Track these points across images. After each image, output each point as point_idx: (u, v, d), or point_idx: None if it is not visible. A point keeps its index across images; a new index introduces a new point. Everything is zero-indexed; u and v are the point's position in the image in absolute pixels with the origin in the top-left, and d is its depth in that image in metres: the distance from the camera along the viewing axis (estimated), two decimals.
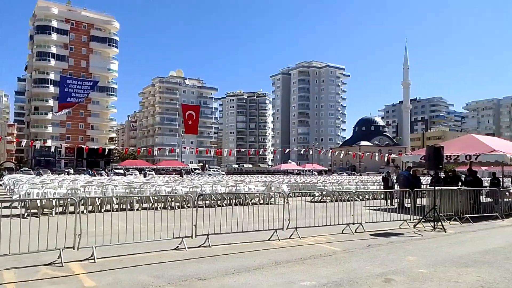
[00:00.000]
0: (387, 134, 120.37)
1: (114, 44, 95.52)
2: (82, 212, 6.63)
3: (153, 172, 60.63)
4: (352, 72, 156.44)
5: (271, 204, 14.96)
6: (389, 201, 15.84)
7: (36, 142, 50.67)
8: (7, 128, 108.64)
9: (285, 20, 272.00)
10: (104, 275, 5.44)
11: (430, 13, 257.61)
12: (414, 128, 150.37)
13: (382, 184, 19.72)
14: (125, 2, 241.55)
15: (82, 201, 7.55)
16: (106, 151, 65.43)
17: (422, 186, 15.66)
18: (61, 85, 33.53)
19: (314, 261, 6.41)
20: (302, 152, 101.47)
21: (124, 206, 11.67)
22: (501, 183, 16.14)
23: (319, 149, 74.30)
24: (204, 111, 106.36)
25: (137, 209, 9.57)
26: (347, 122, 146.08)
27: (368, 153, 59.53)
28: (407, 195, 12.36)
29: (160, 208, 13.11)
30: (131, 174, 51.02)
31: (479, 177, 15.06)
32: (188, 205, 11.09)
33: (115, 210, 11.88)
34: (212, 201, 14.10)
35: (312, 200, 16.21)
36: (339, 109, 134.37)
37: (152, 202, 13.55)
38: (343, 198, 11.80)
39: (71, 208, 7.93)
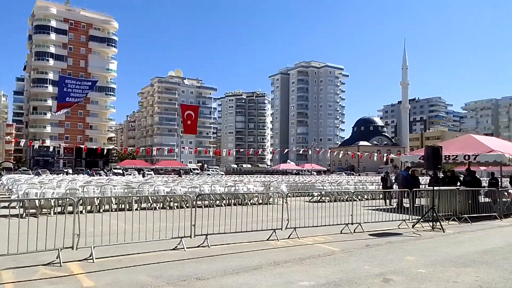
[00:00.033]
0: (386, 134, 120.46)
1: (113, 44, 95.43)
2: (81, 212, 6.62)
3: (151, 172, 60.55)
4: (351, 72, 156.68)
5: (270, 204, 14.96)
6: (387, 201, 15.90)
7: (34, 142, 50.51)
8: (6, 128, 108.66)
9: (284, 20, 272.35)
10: (103, 275, 5.44)
11: (429, 14, 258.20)
12: (413, 128, 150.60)
13: (381, 184, 19.74)
14: (124, 2, 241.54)
15: (81, 201, 7.54)
16: (105, 151, 65.51)
17: (420, 186, 15.68)
18: (59, 85, 33.50)
19: (312, 261, 6.42)
20: (301, 152, 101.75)
21: (123, 206, 11.66)
22: (499, 183, 16.16)
23: (318, 149, 74.36)
24: (203, 111, 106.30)
25: (136, 209, 9.56)
26: (346, 122, 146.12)
27: (366, 153, 59.58)
28: (405, 195, 12.38)
29: (158, 208, 13.07)
30: (130, 174, 50.99)
31: (478, 177, 15.07)
32: (187, 205, 11.08)
33: (113, 210, 11.85)
34: (211, 201, 14.10)
35: (311, 200, 16.21)
36: (338, 109, 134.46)
37: (151, 202, 13.52)
38: (341, 198, 11.81)
39: (70, 208, 7.93)
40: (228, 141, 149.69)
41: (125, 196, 12.65)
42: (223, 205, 12.44)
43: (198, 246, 7.30)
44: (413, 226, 10.18)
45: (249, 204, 13.78)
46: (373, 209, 11.44)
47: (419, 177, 17.04)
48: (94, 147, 68.62)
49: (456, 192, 11.78)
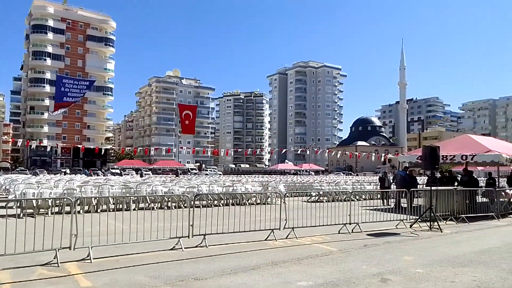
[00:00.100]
0: (384, 134, 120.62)
1: (111, 44, 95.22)
2: (79, 212, 6.61)
3: (149, 172, 60.49)
4: (349, 72, 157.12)
5: (268, 204, 14.98)
6: (385, 201, 15.93)
7: (32, 142, 50.33)
8: (3, 128, 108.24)
9: (282, 20, 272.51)
10: (101, 276, 5.43)
11: (426, 14, 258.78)
12: (411, 128, 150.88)
13: (379, 184, 19.78)
14: (122, 2, 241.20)
15: (78, 201, 7.53)
16: (103, 151, 65.22)
17: (418, 186, 15.71)
18: (57, 84, 33.46)
19: (310, 261, 6.42)
20: (299, 152, 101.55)
21: (121, 206, 11.63)
22: (496, 183, 16.22)
23: (316, 149, 74.35)
24: (201, 111, 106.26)
25: (134, 209, 9.55)
26: (344, 122, 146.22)
27: (364, 153, 59.69)
28: (403, 195, 12.40)
29: (156, 208, 13.10)
30: (128, 174, 50.90)
31: (475, 177, 15.13)
32: (185, 205, 11.08)
33: (111, 210, 11.81)
34: (209, 201, 14.08)
35: (309, 200, 16.23)
36: (336, 109, 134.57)
37: (149, 202, 13.53)
38: (339, 198, 11.82)
39: (67, 208, 7.90)
40: (226, 141, 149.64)
41: (123, 196, 12.62)
42: (221, 205, 12.46)
43: (196, 246, 7.29)
44: (410, 226, 10.20)
45: (247, 204, 13.77)
46: (371, 209, 11.46)
47: (417, 177, 17.09)
48: (92, 147, 68.35)
49: (454, 192, 11.81)
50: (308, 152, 78.48)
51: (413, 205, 11.04)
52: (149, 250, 6.87)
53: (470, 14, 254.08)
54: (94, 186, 14.92)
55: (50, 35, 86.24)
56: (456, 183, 14.21)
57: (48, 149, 58.02)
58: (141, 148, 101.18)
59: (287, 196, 10.85)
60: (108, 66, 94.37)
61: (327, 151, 69.22)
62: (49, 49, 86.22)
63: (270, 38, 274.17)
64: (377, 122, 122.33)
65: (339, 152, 59.93)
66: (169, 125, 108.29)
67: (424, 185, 17.83)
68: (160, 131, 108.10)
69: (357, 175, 64.82)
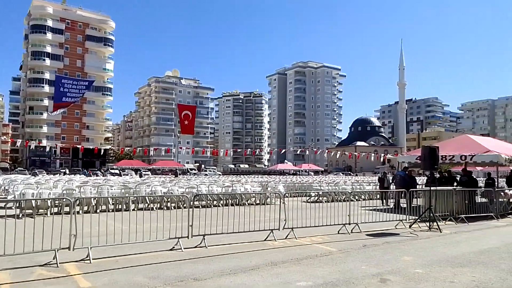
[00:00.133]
0: (383, 134, 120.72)
1: (110, 44, 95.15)
2: (78, 212, 6.60)
3: (149, 173, 60.47)
4: (348, 72, 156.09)
5: (267, 204, 14.97)
6: (385, 201, 15.94)
7: (31, 142, 50.37)
8: (2, 128, 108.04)
9: (282, 20, 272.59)
10: (100, 276, 5.42)
11: (426, 14, 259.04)
12: (410, 129, 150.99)
13: (378, 184, 19.79)
14: (121, 2, 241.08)
15: (78, 202, 7.52)
16: (102, 151, 65.13)
17: (417, 186, 15.71)
18: (56, 84, 33.44)
19: (310, 261, 6.42)
20: (298, 152, 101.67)
21: (120, 207, 11.61)
22: (496, 183, 16.23)
23: (315, 149, 74.36)
24: (200, 111, 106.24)
25: (133, 210, 9.54)
26: (343, 123, 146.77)
27: (364, 154, 59.77)
28: (402, 195, 12.41)
29: (156, 208, 13.09)
30: (127, 175, 50.86)
31: (474, 177, 15.14)
32: (184, 205, 11.08)
33: (110, 210, 11.81)
34: (208, 202, 14.06)
35: (308, 201, 16.21)
36: (335, 109, 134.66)
37: (148, 202, 13.52)
38: (339, 199, 11.83)
39: (67, 209, 7.90)
40: (226, 141, 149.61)
41: (122, 196, 12.61)
42: (221, 206, 12.46)
43: (196, 247, 7.29)
44: (410, 226, 10.21)
45: (247, 204, 13.76)
46: (370, 210, 11.46)
47: (416, 178, 17.10)
48: (91, 147, 68.35)
49: (453, 193, 11.82)
50: (307, 152, 78.52)
51: (413, 205, 11.06)
52: (149, 250, 6.86)
53: (470, 14, 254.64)
54: (93, 187, 14.91)
55: (49, 35, 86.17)
56: (455, 184, 14.22)
57: (47, 149, 58.05)
58: (140, 148, 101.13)
59: (287, 197, 10.85)
60: (107, 66, 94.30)
61: (327, 151, 69.33)
62: (48, 49, 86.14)
63: (269, 38, 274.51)
64: (376, 122, 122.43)
65: (339, 152, 59.99)
66: (169, 125, 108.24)
67: (424, 186, 17.84)
68: (159, 131, 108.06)
69: (356, 175, 64.86)
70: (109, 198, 11.91)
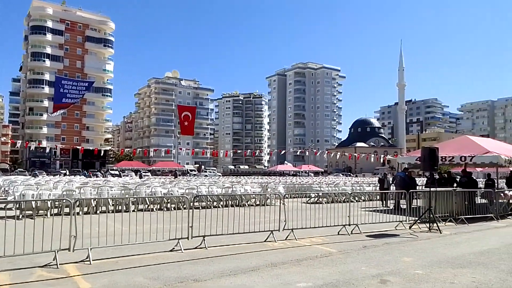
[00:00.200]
0: (383, 135, 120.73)
1: (110, 45, 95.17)
2: (78, 213, 6.60)
3: (149, 174, 60.45)
4: (347, 73, 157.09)
5: (267, 205, 14.97)
6: (384, 202, 15.93)
7: (31, 143, 50.24)
8: (2, 129, 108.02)
9: (281, 21, 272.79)
10: (100, 277, 5.42)
11: (425, 15, 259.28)
12: (410, 130, 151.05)
13: (378, 185, 19.79)
14: (121, 2, 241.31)
15: (78, 203, 7.52)
16: (102, 152, 64.99)
17: (417, 187, 15.72)
18: (56, 85, 33.48)
19: (310, 262, 6.42)
20: (298, 153, 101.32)
21: (120, 208, 11.61)
22: (495, 184, 16.24)
23: (315, 150, 74.32)
24: (200, 112, 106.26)
25: (133, 211, 9.54)
26: (343, 124, 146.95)
27: (363, 154, 59.81)
28: (402, 196, 12.41)
29: (156, 209, 13.09)
30: (127, 175, 50.84)
31: (474, 178, 15.14)
32: (184, 206, 11.07)
33: (110, 211, 11.79)
34: (208, 203, 14.07)
35: (308, 202, 16.21)
36: (335, 110, 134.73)
37: (148, 203, 13.52)
38: (339, 199, 11.84)
39: (67, 210, 7.89)
40: (225, 142, 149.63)
41: (122, 197, 12.61)
42: (221, 207, 12.45)
43: (196, 248, 7.29)
44: (410, 227, 10.21)
45: (247, 205, 13.80)
46: (370, 210, 11.46)
47: (416, 178, 17.10)
48: (91, 148, 68.30)
49: (453, 193, 11.82)
50: (307, 153, 78.56)
51: (412, 206, 11.06)
52: (148, 251, 6.86)
53: (470, 14, 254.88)
54: (93, 188, 14.91)
55: (49, 36, 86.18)
56: (455, 184, 14.22)
57: (47, 150, 58.05)
58: (140, 149, 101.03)
59: (287, 197, 10.86)
60: (107, 67, 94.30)
61: (326, 152, 69.35)
62: (48, 50, 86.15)
63: (269, 39, 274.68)
64: (376, 123, 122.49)
65: (338, 153, 60.07)
66: (168, 126, 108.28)
67: (423, 186, 17.84)
68: (159, 132, 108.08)
69: (356, 176, 64.86)
70: (109, 199, 11.92)
